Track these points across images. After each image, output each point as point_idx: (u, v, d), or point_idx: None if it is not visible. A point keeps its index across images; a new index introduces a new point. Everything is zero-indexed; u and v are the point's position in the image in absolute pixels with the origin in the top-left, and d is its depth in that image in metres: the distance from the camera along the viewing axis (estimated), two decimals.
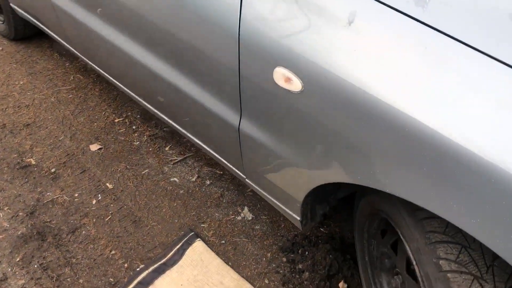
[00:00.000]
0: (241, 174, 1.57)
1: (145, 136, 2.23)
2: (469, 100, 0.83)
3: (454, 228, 1.02)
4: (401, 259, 1.23)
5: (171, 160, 2.11)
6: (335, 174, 1.15)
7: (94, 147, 2.17)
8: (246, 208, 1.90)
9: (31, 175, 2.03)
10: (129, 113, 2.36)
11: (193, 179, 2.02)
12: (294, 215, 1.43)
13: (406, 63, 0.90)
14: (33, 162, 2.09)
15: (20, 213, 1.88)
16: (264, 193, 1.52)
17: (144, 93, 1.80)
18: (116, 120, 2.32)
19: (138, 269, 1.69)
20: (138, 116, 2.35)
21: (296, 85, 1.07)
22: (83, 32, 1.87)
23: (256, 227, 1.83)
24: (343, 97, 0.98)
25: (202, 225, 1.83)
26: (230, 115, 1.35)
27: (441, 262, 1.01)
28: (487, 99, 0.82)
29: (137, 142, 2.20)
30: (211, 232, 1.80)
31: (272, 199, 1.50)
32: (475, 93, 0.83)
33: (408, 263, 1.21)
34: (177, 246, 1.74)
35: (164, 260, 1.70)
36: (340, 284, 1.60)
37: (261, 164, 1.39)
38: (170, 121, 1.77)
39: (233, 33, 1.16)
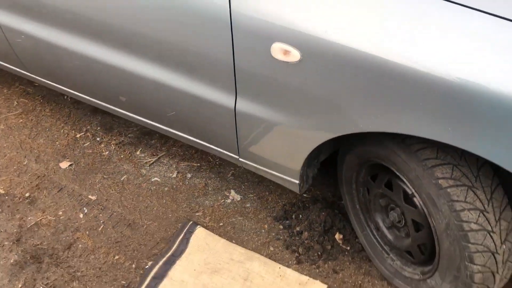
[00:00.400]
0: (233, 155, 1.69)
1: (112, 145, 2.25)
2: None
3: (444, 152, 1.24)
4: (397, 193, 1.43)
5: (146, 163, 2.16)
6: (333, 130, 1.32)
7: (64, 164, 2.15)
8: (232, 191, 2.02)
9: (4, 204, 1.98)
10: (89, 127, 2.36)
11: (174, 175, 2.10)
12: (293, 180, 1.58)
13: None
14: (2, 192, 2.03)
15: (6, 243, 1.84)
16: (260, 167, 1.66)
17: (125, 100, 1.84)
18: (78, 136, 2.31)
19: (147, 266, 1.74)
20: (99, 128, 2.36)
21: (294, 56, 1.22)
22: (43, 51, 1.87)
23: (247, 205, 1.96)
24: (337, 59, 1.15)
25: (196, 214, 1.92)
26: (225, 99, 1.47)
27: (440, 181, 1.22)
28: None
29: (107, 152, 2.22)
30: (207, 218, 1.90)
31: (269, 170, 1.64)
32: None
33: (404, 195, 1.41)
34: (180, 237, 1.81)
35: (171, 252, 1.77)
36: (336, 236, 1.79)
37: (259, 140, 1.52)
38: (151, 122, 1.84)
39: (225, 20, 1.28)
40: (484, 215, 1.21)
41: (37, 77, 2.11)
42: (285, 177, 1.61)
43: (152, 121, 1.84)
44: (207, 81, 1.47)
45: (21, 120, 2.40)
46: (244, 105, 1.45)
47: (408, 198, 1.40)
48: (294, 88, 1.30)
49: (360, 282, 1.67)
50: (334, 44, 1.14)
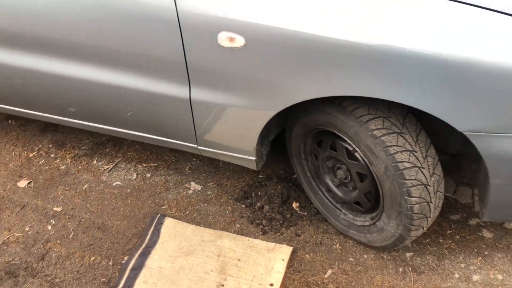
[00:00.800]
0: (192, 145, 1.84)
1: (68, 159, 2.31)
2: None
3: (374, 108, 1.47)
4: (341, 152, 1.65)
5: (104, 170, 2.25)
6: (277, 105, 1.51)
7: (22, 183, 2.19)
8: (192, 183, 2.16)
9: None
10: (40, 146, 2.40)
11: (134, 177, 2.20)
12: (250, 157, 1.76)
13: None
14: None
15: None
16: (218, 151, 1.82)
17: (78, 110, 1.93)
18: (31, 155, 2.35)
19: (124, 261, 1.84)
20: (51, 145, 2.41)
21: (239, 41, 1.40)
22: None
23: (208, 192, 2.11)
24: (274, 39, 1.36)
25: (162, 207, 2.04)
26: (179, 91, 1.62)
27: (374, 132, 1.45)
28: None
29: (63, 166, 2.28)
30: (174, 209, 2.03)
31: (226, 153, 1.81)
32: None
33: (347, 152, 1.64)
34: (151, 229, 1.93)
35: (145, 244, 1.88)
36: (293, 205, 1.99)
37: (214, 125, 1.69)
38: (108, 127, 1.94)
39: (173, 20, 1.44)
40: (413, 154, 1.45)
41: None
42: (242, 156, 1.78)
43: (109, 126, 1.94)
44: (161, 77, 1.62)
45: None
46: (198, 94, 1.61)
47: (350, 155, 1.63)
48: (241, 71, 1.48)
49: (320, 239, 1.87)
50: (272, 28, 1.34)
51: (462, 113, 1.30)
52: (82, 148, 2.38)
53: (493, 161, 1.36)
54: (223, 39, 1.42)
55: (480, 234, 1.88)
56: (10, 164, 2.30)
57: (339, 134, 1.60)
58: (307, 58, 1.36)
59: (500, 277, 1.71)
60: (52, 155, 2.34)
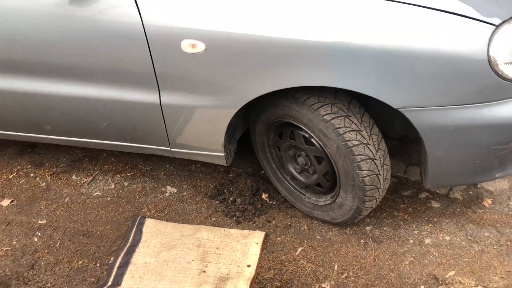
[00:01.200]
0: (165, 148, 2.02)
1: (47, 177, 2.44)
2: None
3: (323, 96, 1.70)
4: (299, 140, 1.86)
5: (83, 183, 2.39)
6: (237, 102, 1.72)
7: (5, 202, 2.30)
8: (168, 186, 2.32)
9: None
10: (19, 167, 2.52)
11: (112, 187, 2.35)
12: (219, 154, 1.95)
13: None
14: None
15: None
16: (190, 151, 2.00)
17: (56, 126, 2.08)
18: (11, 176, 2.46)
19: (110, 261, 1.97)
20: (29, 166, 2.53)
21: (200, 47, 1.61)
22: None
23: (183, 193, 2.28)
24: (231, 43, 1.57)
25: (142, 211, 2.20)
26: (150, 97, 1.80)
27: (325, 117, 1.68)
28: None
29: (44, 183, 2.40)
30: (153, 211, 2.19)
31: (198, 152, 1.99)
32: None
33: (305, 140, 1.85)
34: (134, 230, 2.08)
35: (129, 243, 2.02)
36: (263, 196, 2.18)
37: (185, 125, 1.87)
38: (86, 140, 2.10)
39: (140, 33, 1.64)
40: (360, 133, 1.68)
41: None
42: (212, 153, 1.97)
43: (87, 138, 2.10)
44: (133, 85, 1.80)
45: None
46: (167, 98, 1.80)
47: (307, 141, 1.84)
48: (203, 74, 1.69)
49: (289, 223, 2.07)
50: (227, 33, 1.56)
51: (395, 92, 1.54)
52: (60, 165, 2.52)
53: (426, 132, 1.60)
54: (186, 46, 1.62)
55: (429, 205, 2.11)
56: None
57: (296, 123, 1.81)
58: (257, 57, 1.58)
59: (448, 238, 1.94)
60: (32, 175, 2.47)
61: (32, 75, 1.88)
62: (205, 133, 1.90)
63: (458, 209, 2.07)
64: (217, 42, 1.59)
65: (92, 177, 2.42)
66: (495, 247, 1.88)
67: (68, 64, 1.81)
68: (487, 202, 2.09)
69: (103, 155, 2.56)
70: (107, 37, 1.69)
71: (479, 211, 2.06)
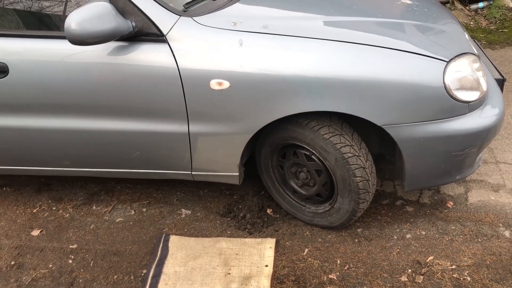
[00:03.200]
0: (187, 172, 2.38)
1: (69, 209, 2.70)
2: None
3: (321, 120, 2.15)
4: (302, 158, 2.29)
5: (104, 212, 2.67)
6: (253, 129, 2.13)
7: (35, 232, 2.54)
8: (183, 209, 2.66)
9: None
10: (40, 203, 2.77)
11: (132, 213, 2.65)
12: (234, 173, 2.33)
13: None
14: None
15: None
16: (208, 173, 2.37)
17: (90, 158, 2.40)
18: (35, 211, 2.70)
19: (143, 273, 2.26)
20: (50, 201, 2.78)
21: (225, 84, 2.03)
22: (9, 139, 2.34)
23: (198, 214, 2.62)
24: (250, 82, 2.01)
25: (164, 230, 2.51)
26: (179, 128, 2.18)
27: (324, 136, 2.12)
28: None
29: (67, 215, 2.66)
30: (174, 230, 2.51)
31: (215, 173, 2.36)
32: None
33: (306, 157, 2.27)
34: (160, 245, 2.38)
35: (157, 257, 2.32)
36: (268, 211, 2.56)
37: (208, 149, 2.25)
38: (115, 170, 2.42)
39: (175, 76, 2.04)
40: (352, 147, 2.13)
41: None
42: (228, 173, 2.35)
43: (117, 168, 2.42)
44: (166, 118, 2.17)
45: None
46: (195, 128, 2.18)
47: (309, 158, 2.27)
48: (227, 106, 2.10)
49: (293, 231, 2.45)
50: (247, 73, 2.00)
51: (377, 113, 2.02)
52: (79, 199, 2.79)
53: (403, 143, 2.07)
54: (214, 84, 2.04)
55: (405, 209, 2.57)
56: (18, 220, 2.63)
57: (299, 144, 2.24)
58: (271, 90, 2.02)
59: (423, 232, 2.40)
60: (54, 208, 2.72)
61: (79, 115, 2.21)
62: (224, 156, 2.29)
63: (428, 211, 2.55)
64: (239, 80, 2.02)
65: (111, 207, 2.71)
66: (461, 237, 2.35)
67: (110, 104, 2.17)
68: (450, 203, 2.58)
69: (117, 188, 2.86)
70: (146, 80, 2.08)
71: (444, 211, 2.53)
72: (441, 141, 2.09)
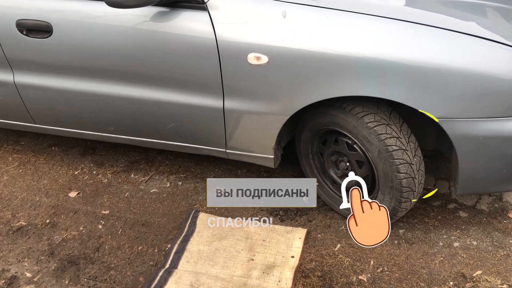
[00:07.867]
0: (221, 149, 2.28)
1: (108, 174, 2.72)
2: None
3: (366, 106, 1.94)
4: (343, 145, 2.10)
5: (141, 181, 2.66)
6: (292, 108, 1.97)
7: (72, 194, 2.57)
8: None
9: (30, 232, 2.35)
10: (83, 165, 2.81)
11: (168, 185, 2.61)
12: (269, 156, 2.20)
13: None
14: (24, 223, 2.40)
15: (42, 257, 2.21)
16: (242, 153, 2.25)
17: (125, 126, 2.37)
18: (76, 173, 2.75)
19: (167, 248, 2.21)
20: (92, 165, 2.81)
21: (264, 60, 1.88)
22: (53, 99, 2.36)
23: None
24: (290, 57, 1.84)
25: (195, 206, 2.44)
26: (215, 102, 2.07)
27: (368, 124, 1.92)
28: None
29: (105, 180, 2.68)
30: (205, 207, 2.43)
31: (250, 154, 2.24)
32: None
33: (348, 146, 2.08)
34: (188, 222, 2.32)
35: (184, 233, 2.26)
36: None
37: (242, 128, 2.13)
38: (150, 140, 2.38)
39: (213, 48, 1.92)
40: (399, 140, 1.91)
41: (43, 126, 2.56)
42: (263, 155, 2.21)
43: (152, 138, 2.38)
44: (201, 91, 2.07)
45: (20, 170, 2.79)
46: (230, 104, 2.06)
47: (350, 147, 2.08)
48: (264, 83, 1.95)
49: (328, 223, 2.28)
50: (287, 48, 1.83)
51: (433, 104, 1.77)
52: (120, 165, 2.80)
53: (458, 141, 1.82)
54: (252, 58, 1.89)
55: (457, 214, 2.31)
56: (60, 180, 2.69)
57: (341, 131, 2.05)
58: (313, 70, 1.84)
59: (475, 243, 2.13)
60: (94, 172, 2.75)
61: (116, 81, 2.17)
62: (259, 136, 2.16)
63: (485, 219, 2.26)
64: (278, 55, 1.86)
65: (149, 177, 2.69)
66: None
67: (145, 72, 2.10)
68: None
69: (158, 158, 2.84)
70: (182, 49, 1.98)
71: (504, 221, 2.24)
72: (505, 142, 1.82)
